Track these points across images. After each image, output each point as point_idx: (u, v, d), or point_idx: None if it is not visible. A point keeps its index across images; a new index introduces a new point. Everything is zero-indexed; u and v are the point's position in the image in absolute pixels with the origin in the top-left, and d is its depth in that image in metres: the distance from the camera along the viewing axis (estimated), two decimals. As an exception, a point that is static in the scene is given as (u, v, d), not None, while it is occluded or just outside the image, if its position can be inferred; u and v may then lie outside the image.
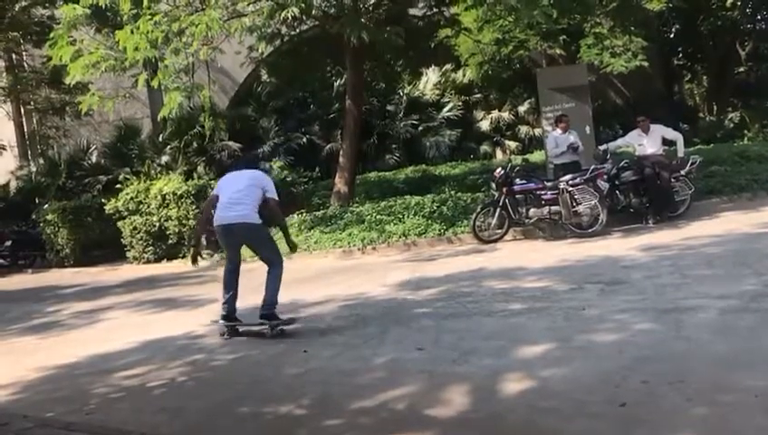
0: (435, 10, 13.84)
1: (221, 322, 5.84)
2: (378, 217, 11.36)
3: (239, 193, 5.76)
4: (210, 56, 11.70)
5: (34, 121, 20.78)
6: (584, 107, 12.67)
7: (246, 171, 6.05)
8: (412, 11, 13.95)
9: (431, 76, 22.84)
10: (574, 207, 9.70)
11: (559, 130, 10.86)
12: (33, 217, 16.11)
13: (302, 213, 12.66)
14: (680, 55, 24.52)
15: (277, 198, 5.90)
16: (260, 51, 13.59)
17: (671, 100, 23.10)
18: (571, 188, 9.72)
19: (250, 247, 6.10)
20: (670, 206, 10.23)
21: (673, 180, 10.21)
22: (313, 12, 11.83)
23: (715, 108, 23.05)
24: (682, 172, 10.26)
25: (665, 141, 10.63)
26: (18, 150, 21.30)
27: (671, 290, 5.65)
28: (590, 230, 9.68)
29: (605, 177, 10.06)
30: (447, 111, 22.21)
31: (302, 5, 10.65)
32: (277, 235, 6.83)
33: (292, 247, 6.13)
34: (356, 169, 14.52)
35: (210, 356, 5.24)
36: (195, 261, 6.23)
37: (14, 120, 20.77)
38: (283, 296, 7.29)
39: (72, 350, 5.90)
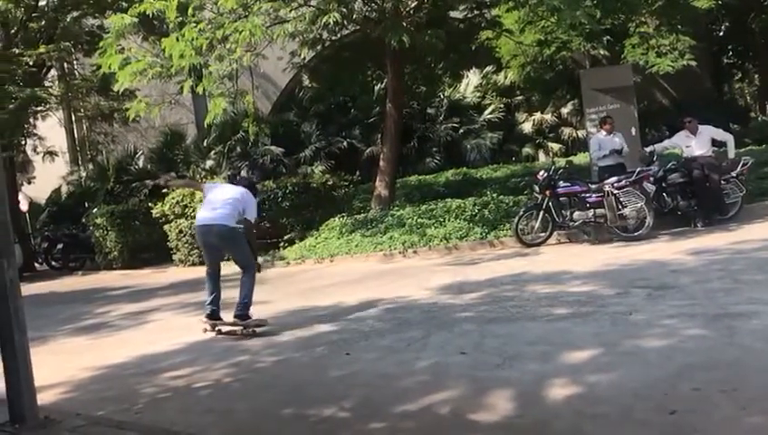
0: (476, 12, 13.74)
1: (205, 318, 6.30)
2: (419, 220, 11.33)
3: (224, 201, 6.26)
4: (253, 62, 11.86)
5: (84, 128, 21.41)
6: (629, 108, 12.43)
7: (239, 187, 6.53)
8: (453, 13, 13.88)
9: (472, 78, 22.66)
10: (620, 209, 9.52)
11: (603, 132, 10.69)
12: (83, 220, 16.57)
13: (342, 216, 12.72)
14: (730, 54, 23.83)
15: (253, 220, 6.38)
16: (302, 56, 13.73)
17: (720, 100, 22.45)
18: (616, 191, 9.54)
19: (225, 250, 6.45)
20: (720, 208, 9.94)
21: (723, 182, 9.93)
22: (355, 16, 11.89)
23: (767, 107, 22.32)
24: (733, 174, 9.97)
25: (715, 142, 10.34)
26: (69, 156, 22.00)
27: (722, 295, 5.48)
28: (636, 233, 9.48)
29: (651, 179, 9.85)
30: (489, 114, 22.00)
31: (344, 10, 10.72)
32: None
33: (257, 268, 6.49)
34: (396, 173, 14.50)
35: (254, 358, 5.30)
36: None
37: (66, 126, 21.44)
38: (326, 299, 7.39)
39: (121, 350, 6.05)
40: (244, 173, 17.04)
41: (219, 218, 6.14)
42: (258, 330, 6.07)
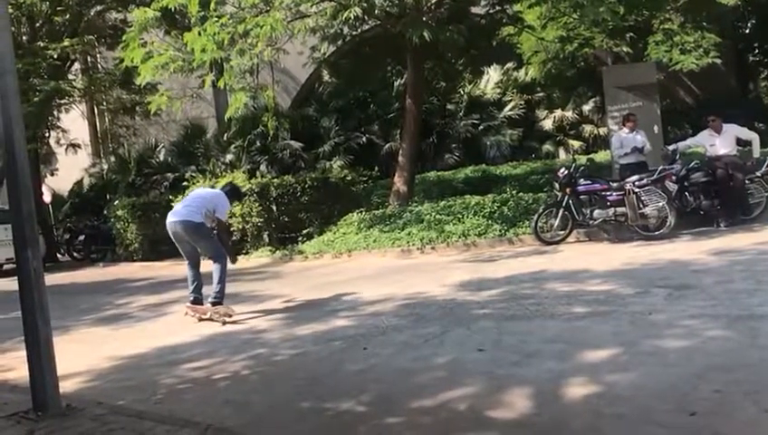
0: (497, 8, 13.67)
1: (188, 304, 6.93)
2: (437, 216, 11.32)
3: (192, 200, 6.98)
4: (274, 57, 11.91)
5: (107, 121, 21.69)
6: (652, 106, 12.31)
7: (212, 190, 7.31)
8: (474, 9, 13.83)
9: (492, 75, 22.56)
10: (641, 208, 9.43)
11: (626, 130, 10.59)
12: (105, 212, 16.78)
13: (361, 212, 12.73)
14: (756, 51, 23.41)
15: (224, 220, 7.09)
16: (322, 51, 13.76)
17: (746, 98, 22.09)
18: (637, 190, 9.45)
19: (193, 242, 6.85)
20: (744, 208, 9.81)
21: (747, 182, 9.80)
22: (375, 12, 11.88)
23: (793, 106, 21.93)
24: (757, 173, 9.84)
25: (739, 142, 10.20)
26: (91, 148, 22.29)
27: (745, 296, 5.40)
28: (657, 233, 9.39)
29: (674, 178, 9.75)
30: (509, 110, 21.89)
31: (365, 6, 10.72)
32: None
33: (233, 260, 7.12)
34: (415, 169, 14.50)
35: (273, 351, 5.33)
36: None
37: (88, 119, 21.74)
38: (343, 294, 7.41)
39: (141, 341, 6.11)
40: (263, 167, 17.14)
41: (184, 215, 6.76)
42: (228, 319, 6.53)
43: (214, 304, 6.66)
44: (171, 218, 6.90)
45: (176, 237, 6.90)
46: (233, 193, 7.43)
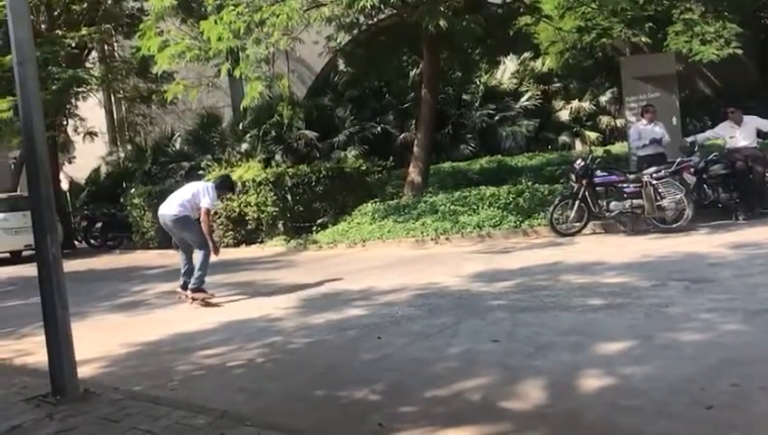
0: (514, -3, 13.56)
1: (179, 289, 7.47)
2: (451, 207, 11.28)
3: (178, 195, 7.40)
4: (289, 46, 11.90)
5: (123, 109, 21.76)
6: (671, 97, 12.15)
7: (199, 183, 7.71)
8: (491, -2, 13.73)
9: (509, 65, 22.38)
10: (658, 201, 9.34)
11: (644, 121, 10.48)
12: (121, 200, 16.90)
13: (375, 202, 12.73)
14: (778, 42, 23.03)
15: (206, 208, 7.23)
16: (338, 40, 13.70)
17: (767, 89, 21.77)
18: (655, 182, 9.35)
19: (180, 233, 7.33)
20: (763, 201, 9.69)
21: (767, 174, 9.66)
22: (391, 0, 11.81)
23: (815, 98, 21.55)
24: (778, 166, 9.70)
25: (760, 134, 10.06)
26: (108, 137, 22.43)
27: (763, 290, 5.36)
28: (674, 225, 9.30)
29: (692, 170, 9.64)
30: (525, 101, 21.74)
31: (381, -6, 10.66)
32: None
33: (215, 252, 7.37)
34: (430, 159, 14.44)
35: (287, 339, 5.36)
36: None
37: (105, 107, 21.85)
38: (358, 284, 7.43)
39: (157, 328, 6.18)
40: (278, 157, 17.15)
41: (170, 208, 7.28)
42: (211, 301, 7.13)
43: (194, 290, 7.16)
44: (160, 211, 7.43)
45: (166, 228, 7.51)
46: (223, 185, 7.86)
